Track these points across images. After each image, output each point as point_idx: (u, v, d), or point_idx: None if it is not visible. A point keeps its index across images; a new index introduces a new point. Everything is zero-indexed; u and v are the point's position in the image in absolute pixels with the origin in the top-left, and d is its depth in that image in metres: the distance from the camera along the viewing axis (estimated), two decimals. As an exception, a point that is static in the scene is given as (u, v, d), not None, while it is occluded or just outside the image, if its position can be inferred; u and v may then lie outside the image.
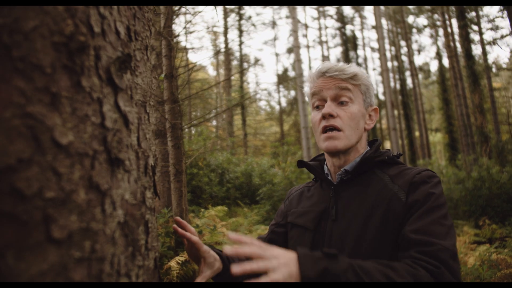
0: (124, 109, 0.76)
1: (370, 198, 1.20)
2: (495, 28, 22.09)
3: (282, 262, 0.85)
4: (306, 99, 1.46)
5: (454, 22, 19.78)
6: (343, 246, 1.18)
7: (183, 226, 1.25)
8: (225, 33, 23.63)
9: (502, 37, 21.80)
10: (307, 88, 1.42)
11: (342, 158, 1.33)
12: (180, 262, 4.87)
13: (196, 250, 1.23)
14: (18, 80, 0.55)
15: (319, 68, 1.36)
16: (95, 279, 0.60)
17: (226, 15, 23.01)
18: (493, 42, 21.58)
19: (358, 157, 1.33)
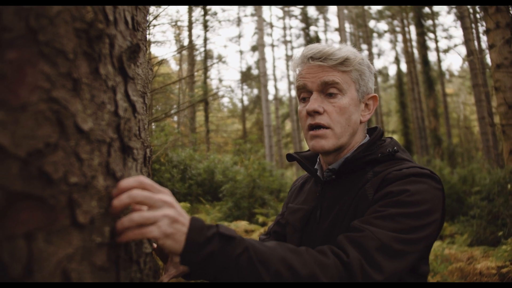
0: (133, 98, 0.77)
1: (348, 200, 1.07)
2: (449, 37, 23.27)
3: (169, 231, 0.68)
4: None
5: (413, 29, 20.65)
6: None
7: None
8: (190, 28, 23.36)
9: (455, 45, 23.01)
10: (293, 73, 1.22)
11: (332, 156, 1.18)
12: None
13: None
14: (44, 64, 0.54)
15: (304, 52, 1.15)
16: (114, 264, 0.61)
17: (190, 9, 22.73)
18: (447, 50, 22.73)
19: (349, 153, 1.16)
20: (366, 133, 1.24)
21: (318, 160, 1.29)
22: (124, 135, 0.70)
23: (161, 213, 0.67)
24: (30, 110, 0.52)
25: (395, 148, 1.12)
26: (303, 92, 1.16)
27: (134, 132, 0.78)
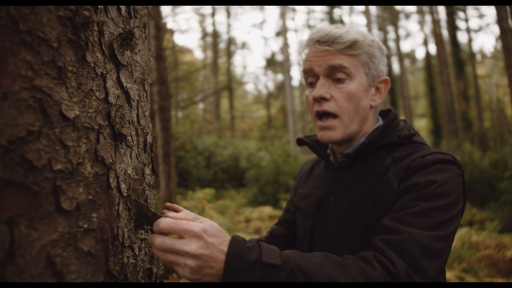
0: (126, 85, 0.77)
1: (366, 186, 1.04)
2: (481, 16, 22.28)
3: (194, 277, 0.69)
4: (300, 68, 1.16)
5: (442, 8, 19.88)
6: (339, 237, 1.06)
7: (175, 209, 0.98)
8: (213, 14, 23.34)
9: (487, 24, 22.01)
10: (299, 58, 1.18)
11: (343, 144, 1.14)
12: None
13: None
14: (26, 53, 0.55)
15: (310, 35, 1.11)
16: (101, 250, 0.62)
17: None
18: (479, 29, 21.78)
19: (363, 138, 1.13)
20: (378, 117, 1.20)
21: (330, 144, 1.24)
22: (116, 122, 0.71)
23: (183, 261, 0.67)
24: (12, 99, 0.52)
25: (412, 131, 1.09)
26: (310, 77, 1.12)
27: (129, 119, 0.78)
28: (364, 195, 1.04)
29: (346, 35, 1.06)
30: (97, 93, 0.66)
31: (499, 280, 3.87)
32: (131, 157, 0.77)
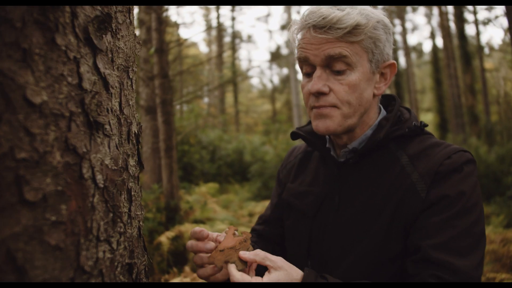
0: (104, 71, 0.73)
1: (382, 187, 0.96)
2: (489, 8, 21.93)
3: None
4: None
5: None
6: (348, 243, 0.98)
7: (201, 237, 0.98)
8: (218, 7, 23.22)
9: (496, 17, 21.68)
10: (291, 38, 1.05)
11: (344, 137, 1.04)
12: (170, 237, 4.89)
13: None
14: (-15, 33, 0.51)
15: (305, 18, 0.97)
16: (72, 244, 0.59)
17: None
18: (487, 22, 21.46)
19: (369, 130, 1.03)
20: (379, 105, 1.09)
21: (328, 136, 1.14)
22: (91, 110, 0.67)
23: None
24: (-32, 82, 0.49)
25: (422, 122, 1.02)
26: (305, 66, 1.00)
27: (108, 107, 0.74)
28: (382, 198, 0.96)
29: (346, 18, 0.91)
30: (69, 78, 0.62)
31: (503, 276, 3.82)
32: (109, 147, 0.73)
